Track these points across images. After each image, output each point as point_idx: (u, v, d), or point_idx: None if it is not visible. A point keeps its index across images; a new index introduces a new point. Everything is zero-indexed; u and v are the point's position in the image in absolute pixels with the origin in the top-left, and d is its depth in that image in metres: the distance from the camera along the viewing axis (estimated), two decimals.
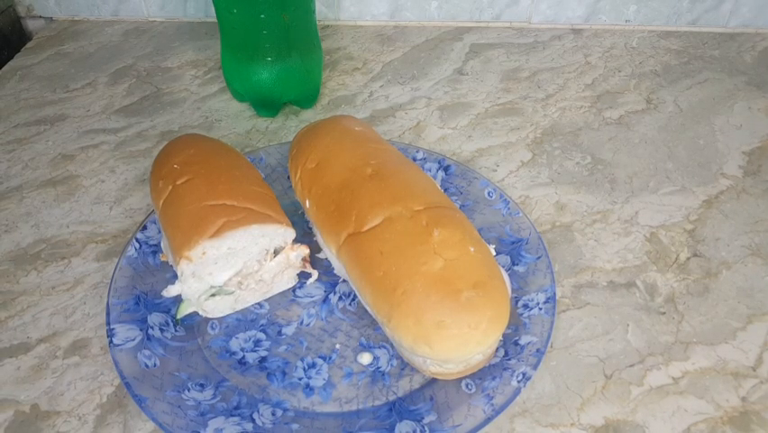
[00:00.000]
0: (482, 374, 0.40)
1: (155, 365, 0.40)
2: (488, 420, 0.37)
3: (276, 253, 0.44)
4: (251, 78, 0.60)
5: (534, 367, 0.39)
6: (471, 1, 0.76)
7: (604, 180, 0.57)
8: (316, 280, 0.47)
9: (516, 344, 0.41)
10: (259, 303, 0.46)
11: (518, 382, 0.39)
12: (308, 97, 0.65)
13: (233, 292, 0.44)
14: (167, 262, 0.47)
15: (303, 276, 0.47)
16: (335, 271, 0.46)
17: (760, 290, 0.47)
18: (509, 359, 0.40)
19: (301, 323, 0.44)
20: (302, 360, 0.42)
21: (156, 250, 0.48)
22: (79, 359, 0.43)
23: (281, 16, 0.56)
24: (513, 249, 0.48)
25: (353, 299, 0.46)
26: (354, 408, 0.39)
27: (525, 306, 0.43)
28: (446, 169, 0.54)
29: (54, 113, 0.65)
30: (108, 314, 0.43)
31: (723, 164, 0.58)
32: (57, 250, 0.50)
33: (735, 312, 0.45)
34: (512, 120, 0.64)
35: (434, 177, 0.54)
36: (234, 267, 0.43)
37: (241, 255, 0.42)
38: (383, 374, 0.41)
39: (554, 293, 0.44)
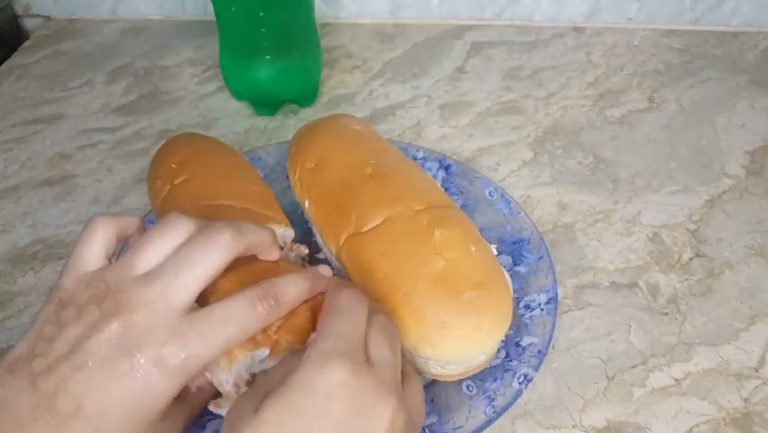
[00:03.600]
0: (483, 376, 0.39)
1: None
2: (489, 422, 0.37)
3: None
4: (249, 77, 0.60)
5: (536, 369, 0.39)
6: None
7: (606, 180, 0.56)
8: None
9: (517, 345, 0.41)
10: None
11: (520, 383, 0.38)
12: (307, 96, 0.65)
13: None
14: None
15: None
16: (335, 272, 0.46)
17: (763, 290, 0.47)
18: (511, 360, 0.40)
19: None
20: None
21: None
22: None
23: (280, 14, 0.55)
24: (514, 249, 0.47)
25: None
26: None
27: (527, 307, 0.43)
28: (447, 168, 0.54)
29: (51, 112, 0.65)
30: None
31: (725, 164, 0.58)
32: (54, 250, 0.50)
33: (737, 313, 0.45)
34: (513, 119, 0.64)
35: (435, 176, 0.53)
36: None
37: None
38: None
39: (556, 294, 0.43)
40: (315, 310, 0.34)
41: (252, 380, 0.33)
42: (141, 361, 0.26)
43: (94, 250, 0.29)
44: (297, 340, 0.32)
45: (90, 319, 0.27)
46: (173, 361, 0.27)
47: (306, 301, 0.33)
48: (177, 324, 0.27)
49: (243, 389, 0.32)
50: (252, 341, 0.31)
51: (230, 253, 0.29)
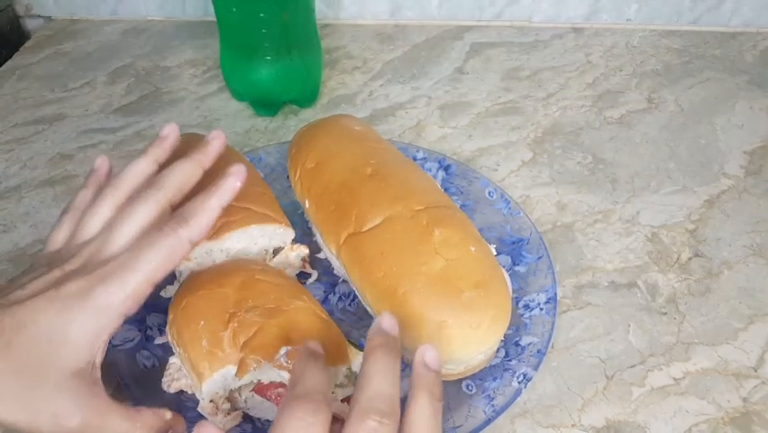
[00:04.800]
0: (483, 375, 0.40)
1: (154, 366, 0.40)
2: (488, 421, 0.37)
3: (275, 253, 0.44)
4: (250, 77, 0.60)
5: (535, 368, 0.39)
6: None
7: (605, 180, 0.57)
8: (316, 280, 0.46)
9: (516, 344, 0.41)
10: None
11: (519, 382, 0.39)
12: (308, 96, 0.65)
13: None
14: None
15: (302, 276, 0.47)
16: (335, 272, 0.46)
17: (761, 290, 0.47)
18: (510, 360, 0.40)
19: None
20: None
21: None
22: None
23: (281, 15, 0.56)
24: (514, 249, 0.47)
25: (353, 300, 0.45)
26: None
27: (526, 306, 0.43)
28: (447, 168, 0.54)
29: (53, 112, 0.65)
30: None
31: (724, 164, 0.58)
32: None
33: (736, 312, 0.45)
34: (513, 119, 0.64)
35: (435, 176, 0.53)
36: None
37: (240, 256, 0.42)
38: None
39: (555, 293, 0.43)
40: (283, 328, 0.35)
41: (228, 396, 0.36)
42: (65, 291, 0.29)
43: (59, 235, 0.35)
44: (263, 358, 0.34)
45: (38, 274, 0.31)
46: (94, 293, 0.29)
47: (273, 318, 0.35)
48: (101, 264, 0.30)
49: (221, 405, 0.35)
50: (219, 360, 0.34)
51: (160, 207, 0.33)
